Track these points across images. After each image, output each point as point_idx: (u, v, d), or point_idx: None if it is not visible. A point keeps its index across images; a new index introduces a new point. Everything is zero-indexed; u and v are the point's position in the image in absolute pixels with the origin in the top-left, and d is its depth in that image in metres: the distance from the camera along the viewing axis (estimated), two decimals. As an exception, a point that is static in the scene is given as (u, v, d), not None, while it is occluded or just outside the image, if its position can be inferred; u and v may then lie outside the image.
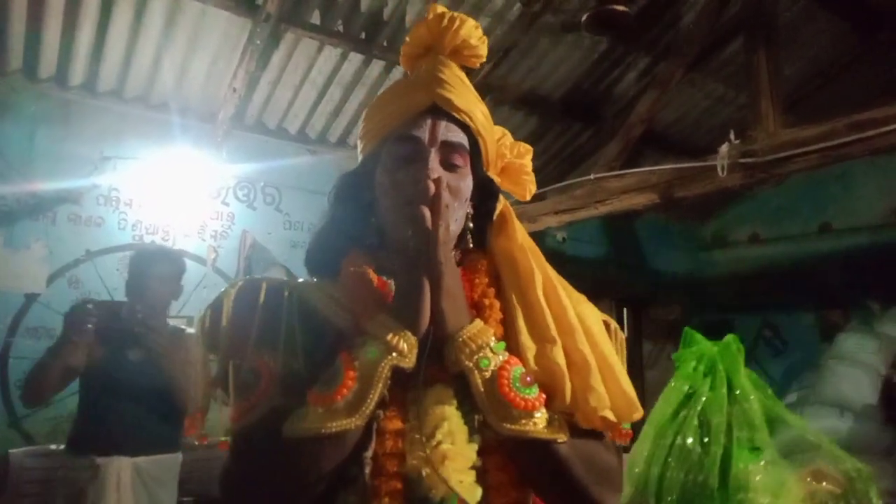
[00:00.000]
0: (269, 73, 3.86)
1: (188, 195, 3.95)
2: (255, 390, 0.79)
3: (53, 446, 3.01)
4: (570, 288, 0.92)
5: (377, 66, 4.00)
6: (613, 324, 0.95)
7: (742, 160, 3.11)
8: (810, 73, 4.95)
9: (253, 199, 4.24)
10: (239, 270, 3.91)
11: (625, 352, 0.95)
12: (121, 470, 2.16)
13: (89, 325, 2.14)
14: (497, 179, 0.99)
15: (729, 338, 2.28)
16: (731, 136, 3.17)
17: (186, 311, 2.60)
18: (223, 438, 1.51)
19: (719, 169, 3.15)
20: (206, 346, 0.85)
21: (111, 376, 2.28)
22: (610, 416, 0.80)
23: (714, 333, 2.38)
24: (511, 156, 1.02)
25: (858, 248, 5.19)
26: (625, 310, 5.80)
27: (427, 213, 0.77)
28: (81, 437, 2.28)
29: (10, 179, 3.47)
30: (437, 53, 0.93)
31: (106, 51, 3.52)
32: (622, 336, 0.96)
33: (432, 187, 0.79)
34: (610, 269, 5.70)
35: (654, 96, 3.85)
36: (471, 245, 0.93)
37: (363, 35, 3.83)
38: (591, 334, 0.85)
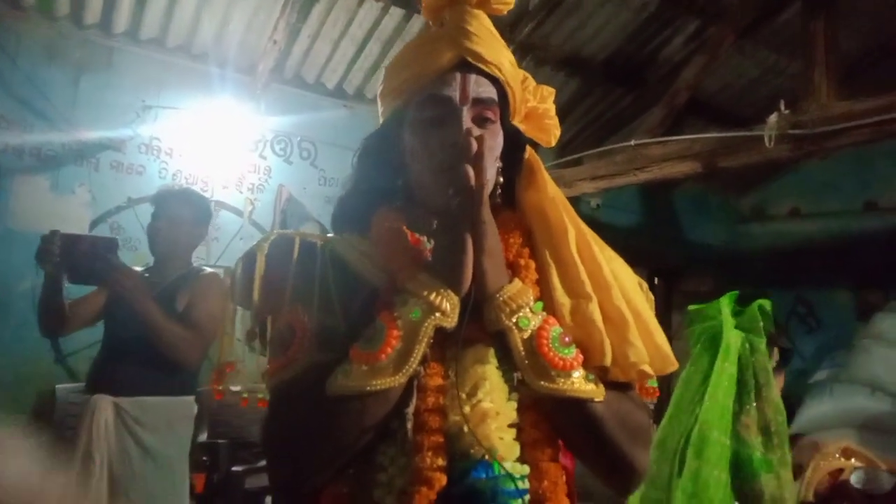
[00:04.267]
0: (308, 26, 3.83)
1: (227, 147, 3.99)
2: (290, 346, 0.79)
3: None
4: (603, 243, 0.90)
5: (418, 20, 3.93)
6: (644, 284, 0.95)
7: (791, 131, 3.03)
8: (868, 46, 4.72)
9: (289, 154, 4.26)
10: (274, 224, 3.95)
11: (653, 311, 0.93)
12: (100, 408, 2.09)
13: (55, 257, 2.02)
14: (522, 127, 0.95)
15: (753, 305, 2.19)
16: (781, 106, 3.08)
17: (224, 262, 2.66)
18: (245, 395, 1.50)
19: (766, 140, 3.07)
20: (236, 301, 0.85)
21: (107, 315, 2.27)
22: (648, 369, 0.81)
23: (746, 307, 2.32)
24: (535, 100, 0.97)
25: (904, 228, 5.04)
26: (656, 280, 5.75)
27: (471, 172, 0.75)
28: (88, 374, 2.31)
29: (56, 125, 3.54)
30: (462, 3, 0.87)
31: (150, -2, 3.53)
32: (651, 297, 0.95)
33: (475, 145, 0.77)
34: (643, 238, 5.63)
35: (701, 62, 3.75)
36: (499, 200, 0.89)
37: (405, -11, 3.77)
38: (626, 290, 0.85)
